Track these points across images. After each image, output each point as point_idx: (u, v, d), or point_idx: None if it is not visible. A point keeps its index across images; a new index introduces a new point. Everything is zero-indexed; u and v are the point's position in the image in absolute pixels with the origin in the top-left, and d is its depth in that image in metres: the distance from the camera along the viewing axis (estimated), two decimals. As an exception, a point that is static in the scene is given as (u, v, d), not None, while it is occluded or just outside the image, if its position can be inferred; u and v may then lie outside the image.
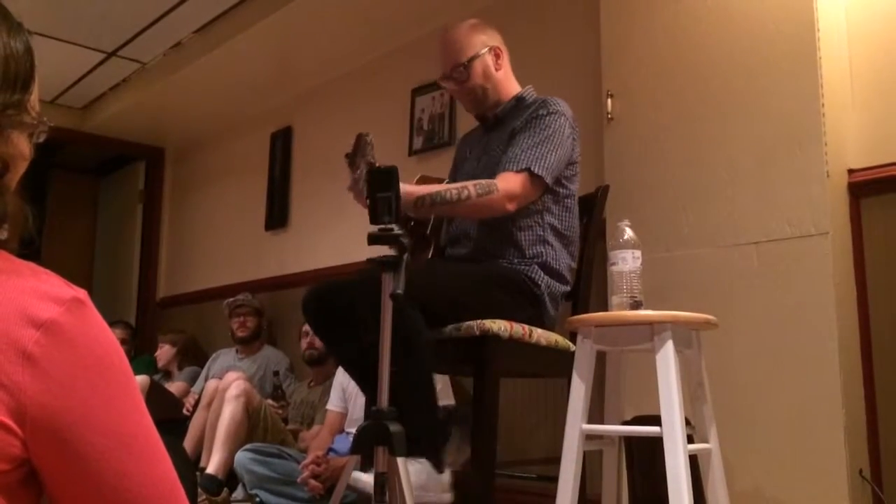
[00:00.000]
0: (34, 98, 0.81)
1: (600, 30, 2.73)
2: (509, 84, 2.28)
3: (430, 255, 2.25)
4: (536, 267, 2.10)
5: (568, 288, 2.19)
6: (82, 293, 0.73)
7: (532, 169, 2.04)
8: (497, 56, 2.25)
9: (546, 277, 2.10)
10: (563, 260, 2.16)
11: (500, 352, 1.93)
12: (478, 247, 2.16)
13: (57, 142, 5.56)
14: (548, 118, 2.11)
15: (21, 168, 0.80)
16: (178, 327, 4.99)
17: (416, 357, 1.82)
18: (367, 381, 1.94)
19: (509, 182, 2.03)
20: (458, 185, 2.00)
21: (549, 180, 2.08)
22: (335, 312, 1.98)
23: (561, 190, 2.16)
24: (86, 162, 6.55)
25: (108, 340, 0.73)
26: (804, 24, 2.22)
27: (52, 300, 0.70)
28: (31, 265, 0.73)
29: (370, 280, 1.75)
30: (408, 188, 1.96)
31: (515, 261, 2.11)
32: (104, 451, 0.70)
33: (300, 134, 4.71)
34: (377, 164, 1.85)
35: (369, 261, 1.72)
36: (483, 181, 2.02)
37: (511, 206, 2.04)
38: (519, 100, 2.25)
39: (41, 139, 0.82)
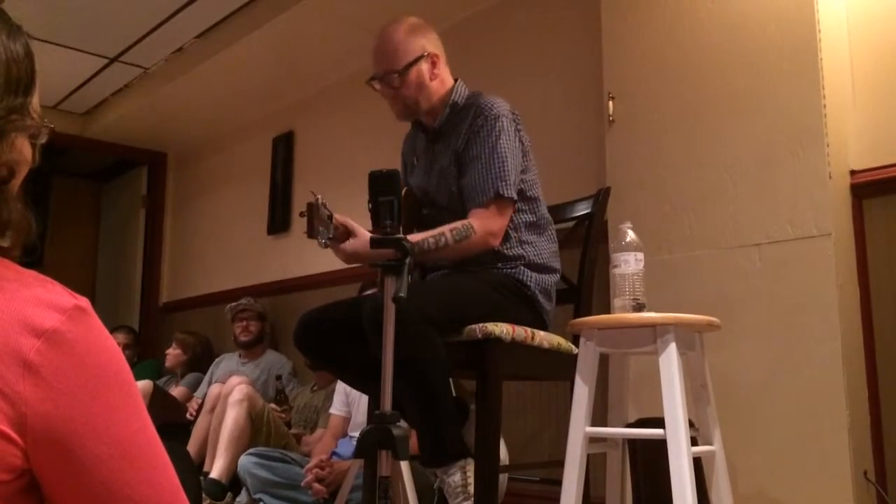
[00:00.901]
0: (36, 101, 0.81)
1: (601, 31, 2.73)
2: (443, 89, 2.18)
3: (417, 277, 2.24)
4: (522, 267, 2.09)
5: (557, 276, 2.16)
6: (84, 301, 0.72)
7: (500, 192, 2.01)
8: (433, 64, 2.14)
9: (534, 275, 2.09)
10: (545, 249, 2.14)
11: (503, 355, 1.93)
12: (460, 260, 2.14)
13: (59, 148, 5.57)
14: (486, 127, 2.05)
15: (24, 172, 0.80)
16: (194, 329, 4.93)
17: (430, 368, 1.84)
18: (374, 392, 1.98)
19: (483, 220, 2.01)
20: (436, 232, 1.98)
21: (515, 194, 2.05)
22: (326, 339, 2.02)
23: (522, 185, 2.12)
24: (88, 167, 6.56)
25: (110, 349, 0.73)
26: (805, 25, 2.22)
27: (54, 309, 0.70)
28: (35, 273, 0.73)
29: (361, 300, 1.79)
30: None
31: (499, 264, 2.10)
32: (106, 459, 0.70)
33: (302, 138, 4.72)
34: (332, 215, 1.88)
35: (371, 265, 1.73)
36: (458, 225, 1.99)
37: (495, 242, 2.03)
38: (452, 106, 2.17)
39: (42, 141, 0.82)
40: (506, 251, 2.09)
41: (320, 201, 1.85)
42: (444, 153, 2.16)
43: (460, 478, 1.85)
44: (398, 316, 1.65)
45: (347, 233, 1.92)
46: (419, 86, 2.13)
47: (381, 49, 2.14)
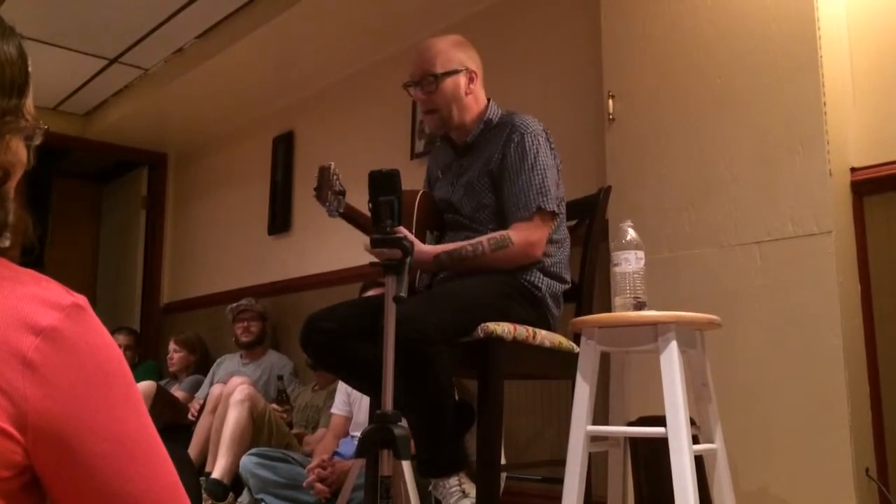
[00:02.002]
0: (30, 102, 0.81)
1: (601, 30, 2.73)
2: (476, 107, 2.21)
3: (425, 283, 2.24)
4: (535, 270, 2.10)
5: (567, 286, 2.18)
6: (82, 299, 0.73)
7: (542, 206, 2.05)
8: (471, 80, 2.18)
9: (546, 279, 2.10)
10: (560, 261, 2.16)
11: (504, 354, 1.93)
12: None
13: (59, 149, 5.57)
14: (524, 144, 2.08)
15: (19, 174, 0.80)
16: (187, 330, 4.92)
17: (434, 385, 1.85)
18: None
19: (523, 232, 2.03)
20: (473, 241, 2.02)
21: (556, 208, 2.09)
22: (332, 340, 2.03)
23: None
24: (88, 168, 6.56)
25: (109, 346, 0.73)
26: (805, 23, 2.22)
27: (52, 307, 0.70)
28: (32, 272, 0.74)
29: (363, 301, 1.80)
30: (424, 248, 2.01)
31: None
32: (106, 456, 0.70)
33: (302, 138, 4.72)
34: (345, 191, 1.91)
35: (372, 264, 1.73)
36: (496, 235, 2.03)
37: (536, 252, 2.06)
38: (486, 123, 2.20)
39: (37, 142, 0.82)
40: None
41: (333, 168, 1.86)
42: (473, 167, 2.18)
43: (455, 479, 1.86)
44: (416, 336, 1.72)
45: (364, 217, 1.98)
46: (454, 96, 2.16)
47: (423, 53, 2.19)
